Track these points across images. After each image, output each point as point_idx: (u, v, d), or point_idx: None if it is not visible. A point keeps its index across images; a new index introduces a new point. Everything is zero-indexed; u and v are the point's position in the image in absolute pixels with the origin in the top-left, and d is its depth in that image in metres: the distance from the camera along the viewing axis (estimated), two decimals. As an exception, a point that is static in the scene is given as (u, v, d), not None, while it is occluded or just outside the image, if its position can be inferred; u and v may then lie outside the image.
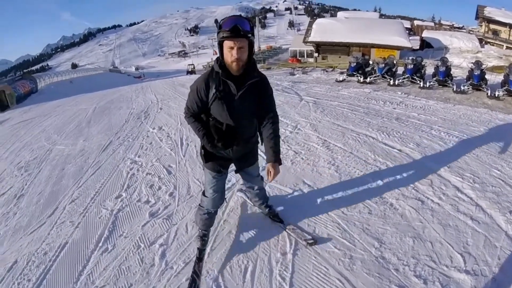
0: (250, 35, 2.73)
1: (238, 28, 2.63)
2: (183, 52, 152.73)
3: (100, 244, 4.22)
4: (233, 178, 4.96)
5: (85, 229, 4.69)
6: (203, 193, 3.60)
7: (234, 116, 3.00)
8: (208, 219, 3.66)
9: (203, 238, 3.70)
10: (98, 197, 5.59)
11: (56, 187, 6.45)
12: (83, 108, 16.59)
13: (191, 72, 42.65)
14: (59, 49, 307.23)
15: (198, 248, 3.66)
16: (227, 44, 2.71)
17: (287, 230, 3.79)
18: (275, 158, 3.19)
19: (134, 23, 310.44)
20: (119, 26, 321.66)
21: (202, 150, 3.29)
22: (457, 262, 3.09)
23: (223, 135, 3.09)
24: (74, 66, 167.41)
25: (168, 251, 3.82)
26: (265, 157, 3.35)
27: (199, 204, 3.69)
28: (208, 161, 3.29)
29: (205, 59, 56.53)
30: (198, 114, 3.13)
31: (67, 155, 8.54)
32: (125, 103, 15.90)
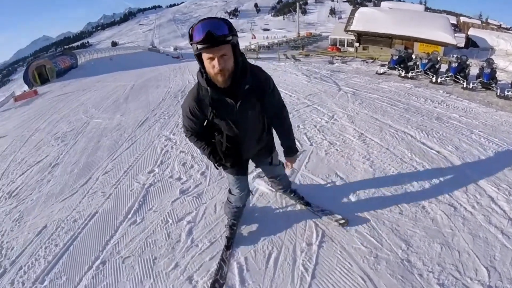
0: (230, 37, 2.29)
1: (212, 35, 2.20)
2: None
3: (129, 216, 4.36)
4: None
5: (116, 200, 4.84)
6: (230, 191, 3.53)
7: (239, 128, 2.87)
8: (237, 212, 3.69)
9: (232, 228, 3.68)
10: (131, 170, 5.74)
11: (91, 159, 6.66)
12: (121, 84, 16.96)
13: None
14: (99, 27, 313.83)
15: (226, 237, 3.64)
16: (205, 55, 2.33)
17: (315, 212, 3.88)
18: (291, 153, 3.31)
19: (174, 4, 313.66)
20: (159, 6, 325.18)
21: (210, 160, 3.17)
22: (481, 276, 3.01)
23: (230, 151, 3.00)
24: (114, 44, 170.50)
25: (195, 229, 3.89)
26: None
27: (227, 199, 3.66)
28: (225, 169, 3.22)
29: (243, 42, 56.20)
30: (199, 132, 2.98)
31: (103, 128, 8.79)
32: (163, 82, 16.09)
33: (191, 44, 2.28)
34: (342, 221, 3.64)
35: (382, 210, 3.92)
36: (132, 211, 4.46)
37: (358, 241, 3.46)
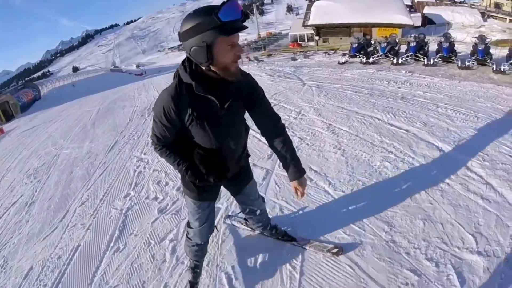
0: None
1: (247, 14, 1.93)
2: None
3: (112, 244, 4.28)
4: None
5: (96, 230, 4.76)
6: (188, 224, 2.95)
7: (224, 138, 2.37)
8: (198, 250, 3.05)
9: (195, 270, 3.14)
10: (107, 197, 5.66)
11: (66, 191, 6.54)
12: (86, 110, 16.84)
13: None
14: (58, 54, 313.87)
15: (189, 281, 3.15)
16: (228, 40, 1.93)
17: (303, 246, 3.36)
18: (299, 173, 2.67)
19: (131, 21, 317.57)
20: (117, 25, 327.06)
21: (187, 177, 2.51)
22: (469, 243, 3.02)
23: (214, 165, 2.44)
24: (75, 69, 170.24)
25: (178, 246, 3.82)
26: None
27: (186, 234, 3.05)
28: (192, 190, 2.62)
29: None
30: (172, 143, 2.42)
31: (74, 158, 8.67)
32: (128, 101, 16.11)
33: (214, 28, 1.84)
34: (335, 250, 3.18)
35: (361, 196, 3.94)
36: (114, 239, 4.37)
37: (341, 230, 3.44)
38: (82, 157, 8.51)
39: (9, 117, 32.59)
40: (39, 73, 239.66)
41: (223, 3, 1.82)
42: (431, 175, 4.17)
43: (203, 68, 2.05)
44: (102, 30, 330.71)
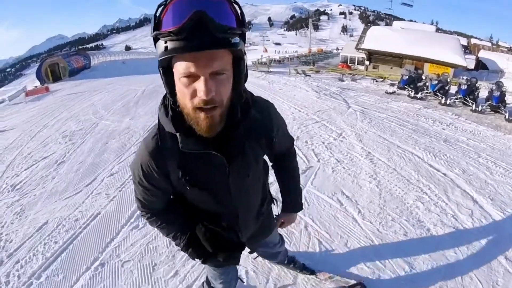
0: (237, 37, 1.18)
1: (206, 22, 1.07)
2: None
3: (132, 220, 4.38)
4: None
5: (119, 203, 4.87)
6: (208, 283, 2.43)
7: (230, 202, 1.70)
8: None
9: None
10: None
11: (97, 159, 6.70)
12: (133, 88, 17.06)
13: None
14: (114, 31, 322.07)
15: None
16: (181, 67, 1.16)
17: (323, 280, 3.17)
18: (296, 208, 2.27)
19: None
20: None
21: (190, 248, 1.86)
22: (483, 300, 2.99)
23: (223, 241, 1.81)
24: (128, 48, 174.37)
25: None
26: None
27: None
28: (206, 261, 1.92)
29: (254, 55, 56.57)
30: (164, 209, 1.77)
31: (112, 130, 8.85)
32: (174, 88, 16.13)
33: (157, 37, 1.16)
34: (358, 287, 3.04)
35: (387, 231, 3.94)
36: (135, 216, 4.47)
37: (362, 261, 3.45)
38: (120, 131, 8.71)
39: (56, 78, 33.46)
40: (92, 44, 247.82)
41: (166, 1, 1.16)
42: (461, 225, 4.13)
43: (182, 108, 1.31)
44: None
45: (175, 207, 1.77)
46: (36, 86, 29.80)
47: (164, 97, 1.41)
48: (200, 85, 1.15)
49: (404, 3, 61.16)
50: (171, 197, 1.75)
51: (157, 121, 1.46)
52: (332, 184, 5.08)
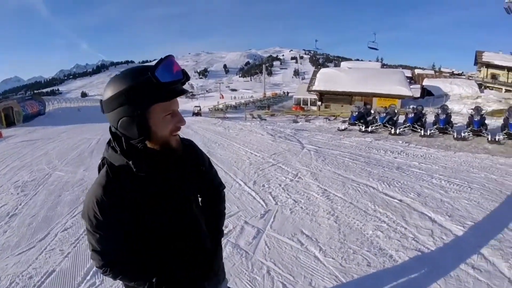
0: None
1: (188, 76, 1.54)
2: (191, 94, 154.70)
3: (88, 278, 4.12)
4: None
5: (74, 259, 4.61)
6: None
7: (191, 223, 1.81)
8: None
9: None
10: None
11: (51, 213, 6.41)
12: (87, 137, 16.74)
13: (197, 114, 41.84)
14: (71, 76, 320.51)
15: None
16: (167, 107, 1.50)
17: None
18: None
19: (146, 61, 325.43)
20: (132, 61, 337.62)
21: None
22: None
23: (191, 259, 1.83)
24: (84, 95, 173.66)
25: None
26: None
27: None
28: None
29: (211, 102, 57.28)
30: (125, 257, 1.65)
31: (65, 182, 8.55)
32: (129, 138, 16.05)
33: (148, 85, 1.41)
34: None
35: (350, 264, 3.91)
36: (91, 273, 4.21)
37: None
38: (74, 183, 8.42)
39: (10, 123, 32.48)
40: (48, 89, 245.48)
41: (160, 60, 1.43)
42: (422, 246, 4.17)
43: (137, 145, 1.53)
44: (118, 63, 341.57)
45: (136, 253, 1.68)
46: None
47: (109, 143, 1.59)
48: (180, 117, 1.55)
49: (370, 47, 64.70)
50: (130, 242, 1.64)
51: (105, 166, 1.58)
52: (291, 225, 5.03)
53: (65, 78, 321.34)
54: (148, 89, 1.41)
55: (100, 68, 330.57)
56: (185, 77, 1.49)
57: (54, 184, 8.42)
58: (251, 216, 5.41)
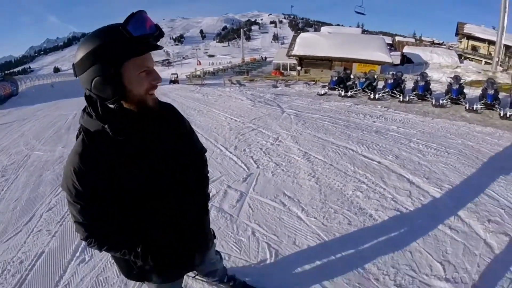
0: None
1: (162, 32, 1.47)
2: (167, 61, 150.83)
3: (77, 254, 4.13)
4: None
5: (62, 238, 4.60)
6: None
7: (174, 189, 1.79)
8: None
9: None
10: None
11: (33, 194, 6.34)
12: (63, 113, 16.37)
13: (174, 81, 40.72)
14: (42, 52, 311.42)
15: None
16: (141, 63, 1.45)
17: None
18: None
19: None
20: None
21: (134, 265, 1.86)
22: (437, 271, 3.11)
23: (173, 241, 1.87)
24: (57, 70, 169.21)
25: (147, 262, 3.78)
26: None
27: None
28: (156, 274, 1.95)
29: (188, 69, 56.39)
30: (108, 227, 1.67)
31: (45, 161, 8.43)
32: (105, 109, 15.76)
33: (117, 41, 1.38)
34: None
35: (331, 223, 3.98)
36: (79, 249, 4.22)
37: (312, 256, 3.46)
38: (54, 161, 8.31)
39: None
40: (19, 68, 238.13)
41: (131, 14, 1.40)
42: (401, 206, 4.28)
43: (112, 106, 1.49)
44: None
45: (120, 222, 1.69)
46: None
47: (84, 109, 1.55)
48: (155, 74, 1.51)
49: (357, 12, 63.49)
50: (112, 210, 1.64)
51: (81, 133, 1.55)
52: (273, 187, 5.07)
53: (36, 54, 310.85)
54: (121, 45, 1.37)
55: (71, 41, 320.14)
56: (159, 31, 1.44)
57: (34, 165, 8.29)
58: (234, 180, 5.43)
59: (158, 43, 1.50)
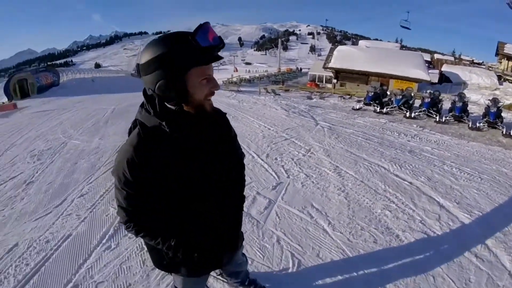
0: None
1: (224, 43, 1.59)
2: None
3: (104, 241, 4.28)
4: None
5: (90, 224, 4.76)
6: None
7: (218, 187, 1.92)
8: None
9: None
10: (108, 195, 5.67)
11: (67, 180, 6.55)
12: (102, 107, 16.75)
13: None
14: (84, 47, 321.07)
15: None
16: (204, 72, 1.58)
17: None
18: None
19: (160, 32, 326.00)
20: (145, 33, 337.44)
21: (167, 257, 1.99)
22: (458, 298, 3.08)
23: (209, 236, 1.99)
24: (97, 66, 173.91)
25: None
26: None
27: None
28: (180, 267, 2.08)
29: (225, 74, 56.84)
30: (148, 214, 1.79)
31: (81, 150, 8.69)
32: (143, 108, 16.01)
33: (185, 49, 1.49)
34: None
35: (357, 240, 4.00)
36: (107, 236, 4.38)
37: (333, 270, 3.48)
38: (89, 151, 8.55)
39: (24, 95, 32.81)
40: (62, 61, 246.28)
41: (200, 26, 1.51)
42: (429, 229, 4.25)
43: (172, 107, 1.64)
44: (131, 34, 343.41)
45: (159, 213, 1.81)
46: (3, 102, 29.14)
47: (142, 106, 1.69)
48: (215, 82, 1.64)
49: (402, 26, 62.93)
50: (155, 201, 1.78)
51: (137, 127, 1.68)
52: (302, 198, 5.12)
53: (79, 49, 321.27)
54: (188, 53, 1.48)
55: (113, 39, 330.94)
56: (222, 43, 1.54)
57: (70, 153, 8.56)
58: (263, 187, 5.50)
59: None
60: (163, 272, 3.28)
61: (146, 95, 1.68)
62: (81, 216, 5.04)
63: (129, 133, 1.76)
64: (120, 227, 4.53)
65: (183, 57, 1.49)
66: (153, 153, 1.62)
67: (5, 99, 32.55)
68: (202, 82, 1.58)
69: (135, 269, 3.71)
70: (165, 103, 1.63)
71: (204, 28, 1.49)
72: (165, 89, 1.54)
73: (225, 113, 1.97)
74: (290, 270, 3.51)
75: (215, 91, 1.68)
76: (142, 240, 3.18)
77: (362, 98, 18.54)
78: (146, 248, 2.32)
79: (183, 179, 1.73)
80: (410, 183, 5.73)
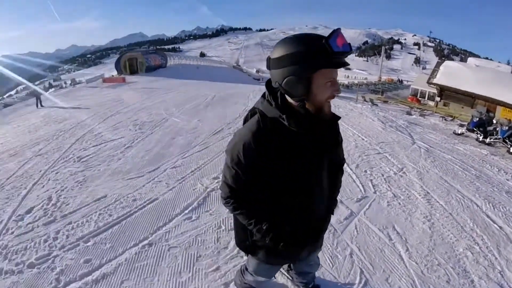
0: None
1: (351, 50, 1.69)
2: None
3: (187, 212, 4.69)
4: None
5: (177, 193, 5.21)
6: (246, 269, 2.64)
7: (318, 182, 2.09)
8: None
9: None
10: (198, 172, 6.12)
11: (163, 151, 7.13)
12: (204, 93, 17.68)
13: None
14: (191, 37, 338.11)
15: None
16: (330, 75, 1.70)
17: None
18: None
19: (264, 29, 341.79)
20: (249, 29, 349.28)
21: (250, 239, 2.20)
22: None
23: (303, 217, 2.12)
24: (203, 55, 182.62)
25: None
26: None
27: (241, 272, 2.81)
28: (266, 252, 2.21)
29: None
30: (247, 196, 1.97)
31: (180, 128, 9.33)
32: (242, 99, 16.80)
33: (318, 54, 1.60)
34: None
35: (430, 274, 3.93)
36: (190, 208, 4.80)
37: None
38: (188, 130, 9.16)
39: (133, 72, 35.70)
40: (169, 46, 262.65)
41: (333, 31, 1.61)
42: (506, 283, 4.04)
43: (293, 103, 1.78)
44: (236, 29, 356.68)
45: (258, 195, 1.99)
46: (113, 75, 31.80)
47: (263, 96, 1.87)
48: (337, 86, 1.75)
49: None
50: (258, 186, 1.95)
51: (254, 113, 1.90)
52: (384, 218, 5.11)
53: (186, 38, 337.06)
54: (321, 56, 1.60)
55: (219, 32, 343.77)
56: (351, 50, 1.67)
57: (169, 128, 9.22)
58: (348, 197, 5.57)
59: None
60: (233, 253, 3.69)
61: (269, 87, 1.85)
62: (170, 185, 5.49)
63: (245, 120, 1.97)
64: (204, 203, 4.94)
65: (315, 58, 1.61)
66: (268, 142, 1.79)
67: (114, 73, 35.40)
68: (326, 84, 1.70)
69: (208, 243, 4.01)
70: (288, 98, 1.79)
71: (336, 33, 1.60)
72: (293, 85, 1.67)
73: (340, 117, 2.02)
74: (355, 286, 3.57)
75: (336, 95, 1.80)
76: (221, 219, 3.53)
77: (465, 123, 17.67)
78: (231, 226, 2.62)
79: (288, 172, 1.90)
80: (500, 227, 5.42)
